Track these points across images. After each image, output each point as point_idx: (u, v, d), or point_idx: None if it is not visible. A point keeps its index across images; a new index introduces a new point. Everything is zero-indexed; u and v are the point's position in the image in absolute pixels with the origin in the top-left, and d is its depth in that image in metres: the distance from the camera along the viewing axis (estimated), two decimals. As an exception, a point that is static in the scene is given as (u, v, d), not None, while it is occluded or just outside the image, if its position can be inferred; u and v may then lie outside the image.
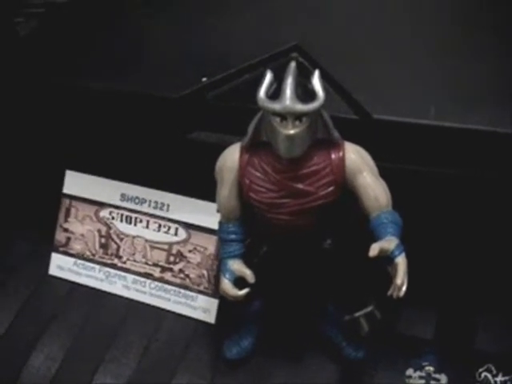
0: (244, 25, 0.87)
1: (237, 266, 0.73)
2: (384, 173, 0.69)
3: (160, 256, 0.92)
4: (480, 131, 0.71)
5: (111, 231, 0.94)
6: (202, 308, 0.89)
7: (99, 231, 0.95)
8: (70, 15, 0.98)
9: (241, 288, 0.72)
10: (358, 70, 0.78)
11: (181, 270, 0.91)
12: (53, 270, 0.97)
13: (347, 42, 0.82)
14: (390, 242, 0.65)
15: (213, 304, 0.88)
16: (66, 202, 0.96)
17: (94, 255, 0.95)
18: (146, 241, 0.93)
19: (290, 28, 0.84)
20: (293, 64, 0.65)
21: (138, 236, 0.93)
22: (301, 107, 0.62)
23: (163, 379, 0.83)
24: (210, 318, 0.88)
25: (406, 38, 0.82)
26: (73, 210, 0.96)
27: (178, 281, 0.91)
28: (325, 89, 0.64)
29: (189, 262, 0.90)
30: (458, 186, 0.76)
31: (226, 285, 0.72)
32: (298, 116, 0.62)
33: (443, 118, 0.73)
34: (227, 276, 0.73)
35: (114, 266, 0.94)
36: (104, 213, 0.95)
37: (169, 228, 0.91)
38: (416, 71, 0.78)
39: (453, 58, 0.79)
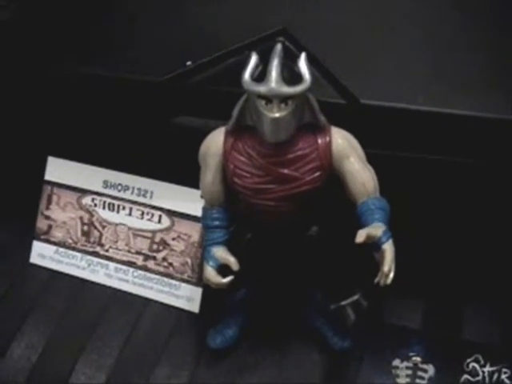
0: (230, 9, 0.86)
1: (221, 253, 0.71)
2: (371, 158, 0.68)
3: (143, 244, 0.90)
4: (468, 116, 0.71)
5: (93, 219, 0.93)
6: (186, 297, 0.88)
7: (81, 219, 0.93)
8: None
9: (225, 276, 0.71)
10: (346, 54, 0.77)
11: (164, 259, 0.89)
12: (34, 258, 0.95)
13: (334, 27, 0.81)
14: (377, 229, 0.64)
15: (197, 293, 0.87)
16: (48, 188, 0.95)
17: (75, 243, 0.94)
18: (129, 228, 0.91)
19: (276, 13, 0.83)
20: (279, 46, 0.64)
21: (120, 224, 0.91)
22: (287, 90, 0.61)
23: (145, 369, 0.82)
24: (194, 307, 0.87)
25: (395, 24, 0.81)
26: (54, 197, 0.94)
27: (161, 269, 0.89)
28: (312, 73, 0.63)
29: (172, 249, 0.89)
30: (446, 172, 0.76)
31: (210, 272, 0.71)
32: (284, 99, 0.61)
33: (431, 103, 0.72)
34: (211, 263, 0.71)
35: (96, 254, 0.92)
36: (86, 200, 0.93)
37: (152, 215, 0.90)
38: (404, 56, 0.77)
39: (441, 43, 0.78)
